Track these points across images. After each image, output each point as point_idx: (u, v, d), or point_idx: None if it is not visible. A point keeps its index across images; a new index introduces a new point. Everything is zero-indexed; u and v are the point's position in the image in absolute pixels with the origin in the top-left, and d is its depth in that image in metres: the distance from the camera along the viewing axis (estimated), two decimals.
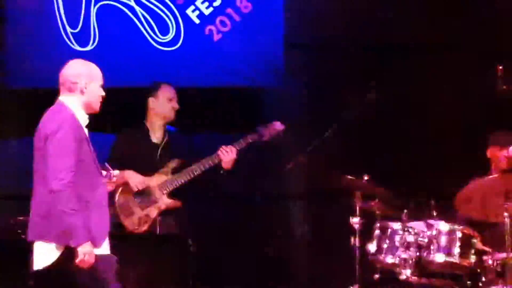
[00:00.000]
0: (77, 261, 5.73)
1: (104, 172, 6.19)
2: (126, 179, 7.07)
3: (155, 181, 7.15)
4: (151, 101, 7.28)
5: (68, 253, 5.81)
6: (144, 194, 7.12)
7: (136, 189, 7.08)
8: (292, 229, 8.32)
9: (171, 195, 7.14)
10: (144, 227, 7.09)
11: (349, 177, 7.10)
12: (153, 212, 7.11)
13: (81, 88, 5.96)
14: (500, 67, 6.91)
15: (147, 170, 7.15)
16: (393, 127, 8.15)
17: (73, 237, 5.74)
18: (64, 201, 5.71)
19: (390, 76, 8.24)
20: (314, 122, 8.08)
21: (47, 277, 5.98)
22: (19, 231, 6.39)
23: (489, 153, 7.21)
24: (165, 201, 7.13)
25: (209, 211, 7.72)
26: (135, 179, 7.09)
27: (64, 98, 6.00)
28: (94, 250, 5.82)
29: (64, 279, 5.94)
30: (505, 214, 6.43)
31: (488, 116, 7.68)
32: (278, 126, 7.24)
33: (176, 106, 7.31)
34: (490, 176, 6.79)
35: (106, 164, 6.33)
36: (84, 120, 5.98)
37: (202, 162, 7.12)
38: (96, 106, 6.06)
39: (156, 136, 7.32)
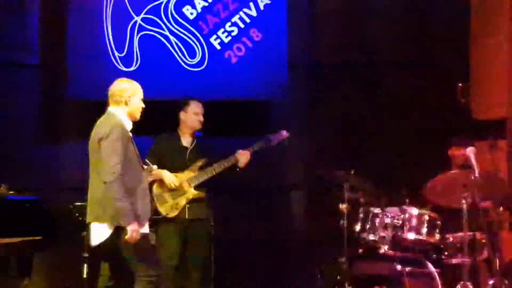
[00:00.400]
0: (126, 237, 5.82)
1: (145, 167, 6.28)
2: (163, 177, 7.03)
3: (184, 176, 7.10)
4: (182, 114, 7.23)
5: (117, 232, 5.90)
6: (176, 187, 7.06)
7: (171, 187, 7.05)
8: (293, 212, 8.34)
9: (197, 187, 7.08)
10: (175, 213, 7.05)
11: (340, 172, 7.09)
12: (182, 201, 7.08)
13: (126, 100, 6.08)
14: (460, 85, 7.12)
15: (178, 167, 7.11)
16: (376, 132, 8.13)
17: (123, 218, 5.85)
18: (115, 189, 5.83)
19: (374, 89, 8.30)
20: (312, 129, 8.16)
21: (100, 250, 6.04)
22: (77, 214, 6.43)
23: (450, 153, 7.19)
24: (192, 193, 7.09)
25: (226, 200, 7.60)
26: (170, 178, 7.04)
27: (112, 108, 6.11)
28: (138, 229, 5.87)
29: (113, 252, 5.98)
30: (463, 201, 6.47)
31: (450, 123, 7.64)
32: (284, 134, 7.16)
33: (202, 119, 7.24)
34: (452, 172, 6.82)
35: (147, 161, 6.55)
36: (129, 126, 6.09)
37: (222, 162, 7.09)
38: (138, 115, 6.15)
39: (186, 140, 7.25)
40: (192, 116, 7.27)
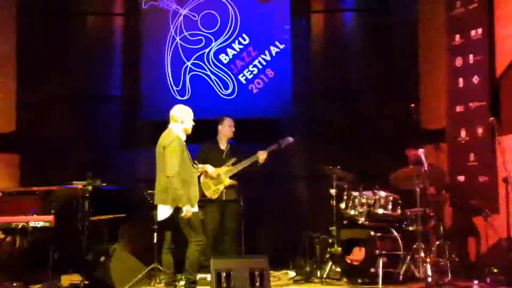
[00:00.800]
0: (182, 215, 5.90)
1: (194, 165, 6.34)
2: (207, 170, 7.01)
3: (222, 170, 7.08)
4: (220, 127, 7.23)
5: (176, 211, 5.96)
6: (216, 177, 7.06)
7: (212, 177, 7.03)
8: (298, 195, 8.25)
9: (231, 177, 7.07)
10: (216, 196, 7.04)
11: (330, 167, 7.10)
12: (221, 187, 7.05)
13: (181, 120, 6.15)
14: (413, 105, 7.06)
15: (218, 164, 7.09)
16: (355, 140, 8.01)
17: (180, 202, 5.90)
18: (174, 182, 5.88)
19: (353, 108, 8.18)
20: (309, 137, 8.10)
21: (164, 224, 6.13)
22: (149, 198, 6.36)
23: (406, 153, 7.11)
24: (227, 181, 7.06)
25: (252, 186, 7.41)
26: (211, 170, 7.02)
27: (172, 125, 6.17)
28: (190, 208, 5.95)
29: (173, 225, 6.07)
30: (416, 187, 6.51)
31: (406, 133, 7.51)
32: (290, 139, 7.14)
33: (233, 129, 7.24)
34: (409, 167, 6.78)
35: (195, 161, 6.55)
36: (183, 137, 6.13)
37: (247, 159, 7.09)
38: (190, 130, 6.21)
39: (223, 145, 7.23)
40: (226, 128, 7.24)
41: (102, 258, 6.52)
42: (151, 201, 6.21)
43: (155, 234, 6.55)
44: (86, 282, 6.48)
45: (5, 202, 6.28)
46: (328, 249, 7.03)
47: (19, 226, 5.95)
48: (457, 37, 7.46)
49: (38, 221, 5.97)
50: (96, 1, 8.37)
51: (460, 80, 7.41)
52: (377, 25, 8.26)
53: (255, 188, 7.67)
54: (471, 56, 7.28)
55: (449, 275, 6.52)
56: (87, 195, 6.30)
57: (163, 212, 6.05)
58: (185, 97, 8.07)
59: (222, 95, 8.14)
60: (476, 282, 5.90)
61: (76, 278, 6.62)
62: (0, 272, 6.30)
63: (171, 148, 5.99)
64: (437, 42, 7.80)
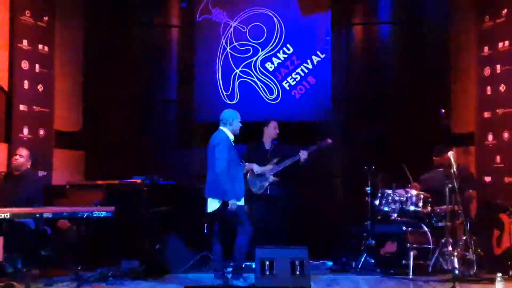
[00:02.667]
0: (228, 207, 5.95)
1: (241, 163, 6.39)
2: (253, 168, 7.01)
3: (267, 168, 7.08)
4: (265, 129, 7.25)
5: (224, 204, 6.01)
6: (261, 175, 7.06)
7: (257, 173, 7.03)
8: (337, 192, 8.23)
9: (275, 175, 7.07)
10: (261, 191, 7.04)
11: (366, 167, 7.11)
12: (265, 183, 7.06)
13: (230, 122, 6.20)
14: (443, 111, 7.10)
15: (263, 162, 7.10)
16: (389, 143, 7.94)
17: (227, 196, 5.97)
18: (223, 178, 5.94)
19: (386, 114, 8.10)
20: (346, 139, 8.08)
21: (214, 215, 6.17)
22: (200, 193, 6.30)
23: (433, 156, 7.09)
24: (271, 178, 7.07)
25: (294, 183, 7.42)
26: (257, 168, 7.03)
27: (222, 127, 6.22)
28: (236, 202, 6.00)
29: (222, 216, 6.11)
30: (446, 187, 6.51)
31: (437, 137, 7.44)
32: (329, 141, 7.13)
33: (277, 131, 7.23)
34: (440, 169, 6.79)
35: (242, 160, 6.57)
36: (231, 138, 6.18)
37: (290, 159, 7.06)
38: (237, 131, 6.26)
39: (267, 145, 7.24)
40: (272, 129, 7.26)
41: (159, 245, 6.64)
42: (203, 195, 6.27)
43: (206, 224, 6.63)
44: (143, 267, 6.62)
45: (72, 194, 6.48)
46: (363, 242, 7.05)
47: (84, 216, 6.03)
48: (486, 48, 7.46)
49: (101, 212, 6.04)
50: (155, 13, 8.41)
51: (488, 88, 7.41)
52: (412, 37, 8.22)
53: (297, 185, 7.66)
54: (498, 66, 7.27)
55: (475, 267, 6.50)
56: (145, 188, 6.44)
57: (212, 205, 6.11)
58: (234, 101, 8.10)
59: (267, 100, 8.17)
60: (499, 274, 5.86)
61: (135, 264, 6.70)
62: (67, 257, 6.47)
63: (221, 147, 6.05)
64: (468, 53, 7.80)
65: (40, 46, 7.39)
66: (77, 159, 8.09)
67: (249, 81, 8.21)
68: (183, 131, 8.36)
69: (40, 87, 7.39)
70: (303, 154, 7.08)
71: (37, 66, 7.36)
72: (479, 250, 6.73)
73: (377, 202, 7.06)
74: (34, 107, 7.29)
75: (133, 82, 8.26)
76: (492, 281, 5.96)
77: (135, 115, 8.24)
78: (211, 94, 8.16)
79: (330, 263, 7.27)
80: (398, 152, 7.59)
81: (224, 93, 8.20)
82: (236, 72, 8.21)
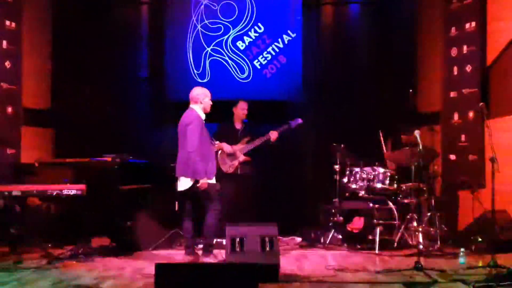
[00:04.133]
0: (199, 185, 5.95)
1: (212, 142, 6.38)
2: (223, 147, 7.01)
3: (237, 147, 7.09)
4: (234, 109, 7.24)
5: (195, 183, 5.99)
6: (232, 154, 7.06)
7: (227, 152, 7.02)
8: (306, 170, 8.19)
9: (245, 154, 7.07)
10: (231, 170, 7.06)
11: (334, 144, 7.15)
12: (236, 162, 7.06)
13: (200, 101, 6.15)
14: (410, 91, 7.16)
15: (233, 141, 7.11)
16: (356, 122, 7.95)
17: (198, 174, 5.95)
18: (194, 156, 5.92)
19: (354, 94, 8.15)
20: (316, 118, 8.05)
21: (185, 194, 6.15)
22: (171, 171, 6.35)
23: (402, 137, 7.13)
24: (242, 157, 7.07)
25: (264, 162, 7.46)
26: (227, 148, 7.03)
27: (192, 106, 6.19)
28: (208, 181, 6.01)
29: (193, 195, 6.11)
30: (411, 164, 6.49)
31: (404, 116, 7.57)
32: (300, 120, 7.11)
33: (245, 112, 7.21)
34: (404, 149, 6.78)
35: (213, 138, 6.56)
36: (203, 117, 6.16)
37: (260, 138, 7.08)
38: (208, 110, 6.22)
39: (238, 125, 7.25)
40: (239, 110, 7.25)
41: (129, 223, 6.60)
42: (173, 173, 6.22)
43: (177, 202, 6.58)
44: (114, 244, 6.62)
45: (41, 172, 6.31)
46: (331, 218, 7.12)
47: (54, 194, 5.96)
48: (453, 29, 7.50)
49: (71, 189, 6.00)
50: None
51: (455, 68, 7.47)
52: (381, 17, 8.22)
53: (267, 164, 7.68)
54: (465, 47, 7.33)
55: (439, 243, 6.62)
56: (116, 167, 6.36)
57: (183, 183, 6.08)
58: (205, 80, 8.06)
59: (238, 79, 8.13)
60: (462, 249, 6.00)
61: (105, 241, 6.76)
62: (37, 235, 6.40)
63: (192, 126, 6.00)
64: (435, 33, 7.83)
65: (7, 22, 7.21)
66: (46, 137, 7.97)
67: (220, 59, 8.15)
68: (154, 109, 8.31)
69: (7, 64, 7.21)
70: (273, 134, 7.08)
71: (4, 42, 7.18)
72: (443, 226, 6.83)
73: (345, 180, 7.12)
74: (1, 84, 7.12)
75: (103, 59, 8.11)
76: (456, 255, 6.12)
77: (106, 93, 8.10)
78: (182, 73, 8.09)
79: (299, 239, 7.32)
80: (367, 131, 7.62)
81: (195, 71, 8.14)
82: (207, 51, 8.14)
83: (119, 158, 6.47)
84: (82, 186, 6.06)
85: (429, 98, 7.93)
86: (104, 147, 6.96)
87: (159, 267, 4.61)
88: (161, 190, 6.97)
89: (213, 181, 6.19)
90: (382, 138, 7.18)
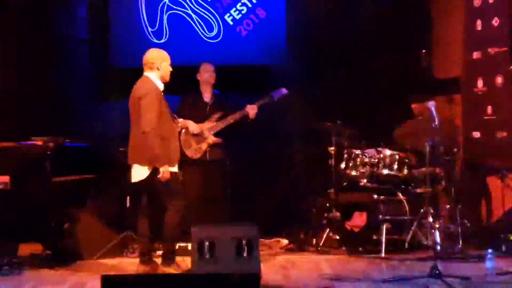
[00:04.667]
0: (159, 176, 5.89)
1: (174, 120, 6.25)
2: (188, 126, 6.99)
3: (205, 126, 7.07)
4: (198, 75, 7.22)
5: (153, 172, 5.94)
6: (198, 134, 7.05)
7: (193, 133, 7.01)
8: (294, 154, 8.23)
9: (216, 134, 7.06)
10: (198, 155, 7.04)
11: (328, 122, 7.13)
12: (204, 145, 7.04)
13: (157, 66, 6.09)
14: (423, 51, 7.05)
15: (200, 119, 7.09)
16: (356, 92, 8.02)
17: (158, 161, 5.90)
18: (151, 138, 5.87)
19: (354, 56, 8.16)
20: (306, 88, 8.05)
21: (139, 186, 6.11)
22: (122, 157, 6.37)
23: (413, 106, 7.19)
24: (212, 139, 7.05)
25: (240, 145, 7.51)
26: (193, 126, 7.01)
27: (147, 73, 6.13)
28: (169, 169, 5.96)
29: (150, 187, 6.06)
30: (426, 144, 6.41)
31: (416, 83, 7.60)
32: (284, 91, 7.11)
33: (213, 75, 7.18)
34: (416, 119, 6.84)
35: (174, 115, 6.41)
36: (161, 87, 6.10)
37: (235, 114, 7.07)
38: (167, 78, 6.17)
39: (207, 97, 7.21)
40: (204, 75, 7.22)
41: (67, 225, 6.55)
42: (124, 160, 6.22)
43: (129, 197, 6.61)
44: (49, 252, 6.57)
45: None
46: (325, 215, 7.11)
47: None
48: None
49: None
50: None
51: (478, 22, 7.43)
52: None
53: (244, 147, 7.70)
54: None
55: (460, 242, 6.64)
56: (49, 152, 6.31)
57: (138, 172, 6.04)
58: (162, 40, 8.07)
59: (205, 38, 8.12)
60: (490, 250, 5.95)
61: (37, 248, 6.66)
62: None
63: (148, 99, 5.96)
64: None
65: None
66: None
67: (182, 13, 8.16)
68: (97, 79, 8.28)
69: None
70: (252, 109, 7.08)
71: None
72: (465, 222, 6.82)
73: (342, 165, 7.12)
74: None
75: (31, 18, 8.04)
76: (481, 258, 6.09)
77: (34, 58, 8.03)
78: (132, 31, 8.10)
79: (285, 241, 7.34)
80: (369, 103, 7.67)
81: (150, 29, 8.14)
82: (165, 2, 8.17)
83: (52, 141, 6.44)
84: (5, 178, 6.10)
85: (447, 60, 7.97)
86: (33, 127, 6.95)
87: (107, 281, 4.52)
88: (108, 181, 6.98)
89: (175, 169, 6.16)
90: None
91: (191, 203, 6.55)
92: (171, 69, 6.20)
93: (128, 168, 6.12)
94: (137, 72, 6.23)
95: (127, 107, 6.15)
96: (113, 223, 6.93)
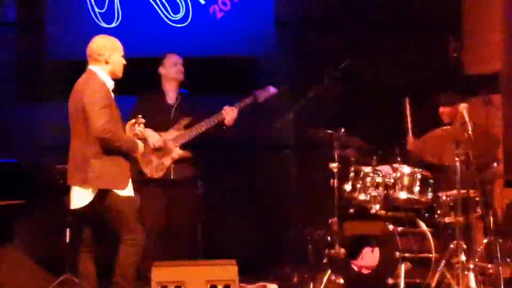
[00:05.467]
0: (107, 202, 5.89)
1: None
2: (146, 136, 6.83)
3: (169, 135, 7.13)
4: (161, 69, 7.29)
5: (100, 195, 5.91)
6: (160, 147, 7.09)
7: (154, 146, 7.06)
8: (284, 172, 8.21)
9: (183, 147, 7.09)
10: (160, 173, 7.09)
11: (330, 130, 7.09)
12: (168, 161, 7.10)
13: (106, 59, 6.07)
14: (451, 38, 7.10)
15: (163, 126, 7.14)
16: (366, 90, 8.13)
17: (107, 181, 5.91)
18: (100, 151, 5.87)
19: (361, 47, 8.26)
20: (298, 86, 7.96)
21: (82, 214, 6.05)
22: (58, 177, 6.42)
23: (440, 110, 7.25)
24: (177, 152, 7.09)
25: (214, 160, 7.68)
26: (153, 138, 7.08)
27: (93, 67, 6.09)
28: (120, 192, 5.95)
29: (96, 215, 6.03)
30: (456, 159, 6.43)
31: (441, 79, 7.69)
32: (272, 90, 7.21)
33: (181, 69, 7.28)
34: (444, 128, 6.74)
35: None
36: (110, 85, 6.08)
37: (208, 120, 7.11)
38: (119, 73, 6.15)
39: (171, 98, 7.27)
40: (170, 69, 7.32)
41: None
42: (62, 181, 6.22)
43: (68, 229, 6.60)
44: None
45: None
46: (326, 251, 7.10)
47: None
48: None
49: None
50: None
51: None
52: None
53: (220, 163, 7.88)
54: None
55: (502, 287, 6.58)
56: None
57: (81, 196, 6.03)
58: (113, 24, 8.15)
59: (169, 22, 8.21)
60: None
61: None
62: None
63: (94, 100, 5.94)
64: None
65: None
66: None
67: None
68: (27, 74, 8.32)
69: None
70: (229, 113, 7.17)
71: None
72: (508, 260, 6.87)
73: (348, 187, 7.15)
74: None
75: None
76: None
77: None
78: (74, 14, 8.18)
79: (274, 287, 7.31)
80: (382, 106, 7.79)
81: (97, 10, 8.20)
82: None
83: None
84: None
85: (483, 52, 8.05)
86: None
87: None
88: (40, 208, 7.07)
89: (130, 192, 6.16)
90: (409, 115, 7.25)
91: (151, 235, 6.59)
92: (124, 62, 6.18)
93: (67, 191, 6.10)
94: (80, 65, 6.23)
95: (66, 111, 6.12)
96: (48, 263, 6.92)
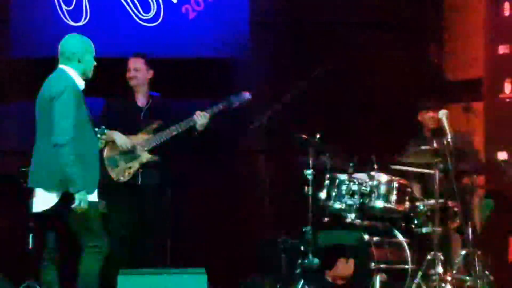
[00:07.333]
0: (73, 206, 5.81)
1: (97, 130, 6.19)
2: (114, 138, 7.03)
3: (138, 139, 7.12)
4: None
5: (65, 199, 5.86)
6: (128, 150, 7.08)
7: (123, 149, 7.06)
8: (255, 179, 8.24)
9: (152, 151, 7.10)
10: (127, 178, 7.08)
11: (304, 135, 7.12)
12: (135, 165, 7.10)
13: (79, 58, 6.06)
14: (433, 44, 7.13)
15: (131, 129, 7.14)
16: (342, 95, 8.13)
17: (72, 185, 5.82)
18: (66, 153, 5.80)
19: (339, 50, 8.26)
20: (274, 89, 8.08)
21: (46, 219, 6.07)
22: (21, 180, 6.38)
23: (419, 116, 7.26)
24: (145, 156, 7.10)
25: (184, 165, 7.70)
26: (121, 140, 7.07)
27: (64, 66, 6.08)
28: (88, 197, 5.88)
29: (60, 221, 6.02)
30: (435, 167, 6.55)
31: (422, 86, 7.75)
32: (246, 95, 7.20)
33: (133, 74, 7.22)
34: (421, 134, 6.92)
35: (99, 125, 6.33)
36: (81, 85, 6.07)
37: (179, 124, 7.11)
38: (90, 74, 6.14)
39: (141, 100, 7.28)
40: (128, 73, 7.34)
41: None
42: (25, 184, 6.21)
43: (31, 235, 6.59)
44: None
45: None
46: (299, 261, 7.11)
47: None
48: None
49: None
50: None
51: (506, 5, 7.59)
52: None
53: (189, 168, 7.86)
54: None
55: None
56: None
57: (44, 200, 6.01)
58: (81, 23, 8.12)
59: (139, 21, 8.21)
60: None
61: None
62: None
63: (64, 101, 5.93)
64: None
65: None
66: None
67: None
68: None
69: None
70: (201, 118, 7.17)
71: None
72: (486, 273, 6.87)
73: (323, 195, 7.18)
74: None
75: None
76: None
77: None
78: (39, 9, 8.12)
79: None
80: (360, 112, 7.82)
81: (64, 7, 8.17)
82: None
83: None
84: None
85: (464, 56, 8.10)
86: None
87: None
88: (2, 213, 7.03)
89: (95, 197, 6.14)
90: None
91: (116, 243, 6.60)
92: (95, 63, 6.19)
93: (30, 194, 6.10)
94: (45, 63, 6.24)
95: (31, 111, 6.12)
96: (8, 271, 6.91)
